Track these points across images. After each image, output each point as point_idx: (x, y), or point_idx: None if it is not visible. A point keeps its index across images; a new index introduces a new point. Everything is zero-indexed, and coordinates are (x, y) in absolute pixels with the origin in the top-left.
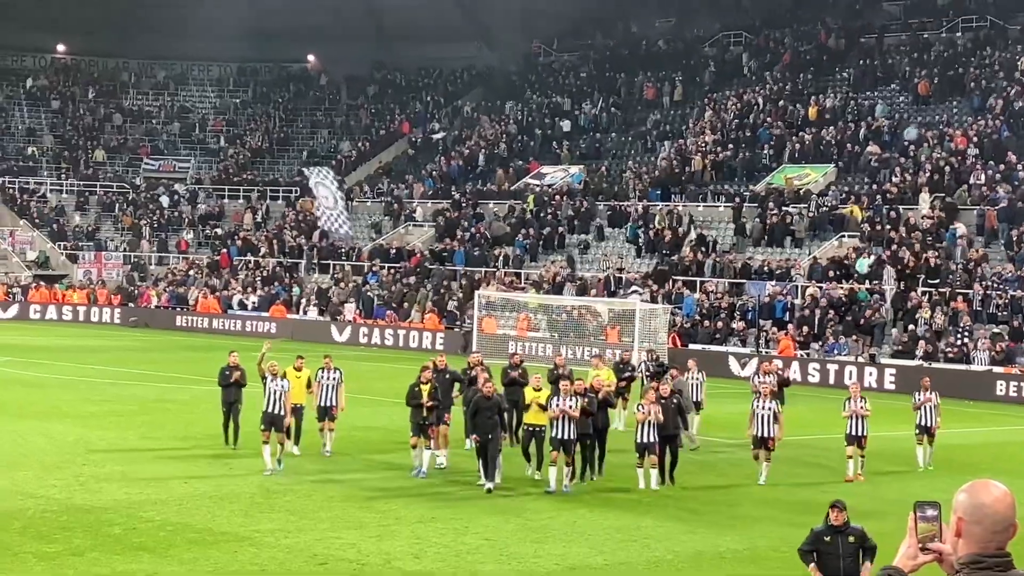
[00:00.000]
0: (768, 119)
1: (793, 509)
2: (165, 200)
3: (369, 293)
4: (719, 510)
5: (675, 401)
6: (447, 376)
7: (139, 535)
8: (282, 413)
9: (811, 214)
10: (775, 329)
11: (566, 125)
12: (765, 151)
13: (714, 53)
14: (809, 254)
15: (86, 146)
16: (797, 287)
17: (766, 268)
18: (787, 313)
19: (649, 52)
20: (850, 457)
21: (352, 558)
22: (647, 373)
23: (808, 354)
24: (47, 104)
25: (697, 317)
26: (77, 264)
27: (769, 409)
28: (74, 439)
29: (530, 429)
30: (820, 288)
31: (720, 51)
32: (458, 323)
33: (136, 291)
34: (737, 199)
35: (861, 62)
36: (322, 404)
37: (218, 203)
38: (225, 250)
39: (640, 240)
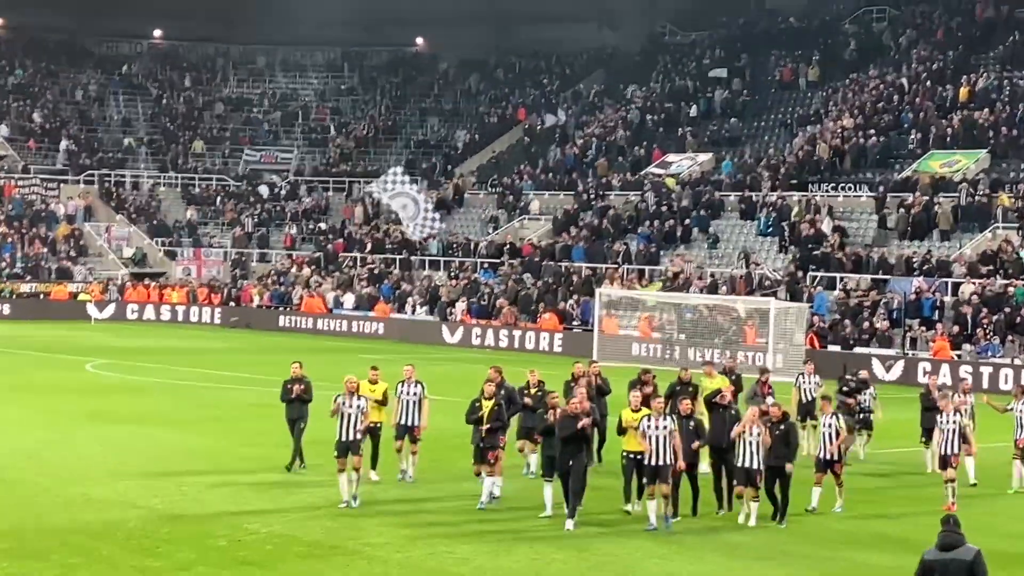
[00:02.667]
0: (914, 101)
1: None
2: (266, 193)
3: (484, 291)
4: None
5: (783, 426)
6: (502, 392)
7: (245, 548)
8: (358, 437)
9: (961, 204)
10: (923, 329)
11: (693, 110)
12: (911, 136)
13: (855, 30)
14: (959, 247)
15: (184, 137)
16: (947, 283)
17: (911, 263)
18: (936, 311)
19: (784, 30)
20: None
21: (467, 574)
22: (843, 390)
23: (959, 356)
24: (144, 92)
25: (837, 316)
26: (175, 261)
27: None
28: (175, 446)
29: (633, 457)
30: (974, 284)
31: (861, 27)
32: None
33: (237, 289)
34: (880, 188)
35: (1018, 37)
36: (402, 422)
37: (323, 196)
38: (338, 241)
39: (774, 233)
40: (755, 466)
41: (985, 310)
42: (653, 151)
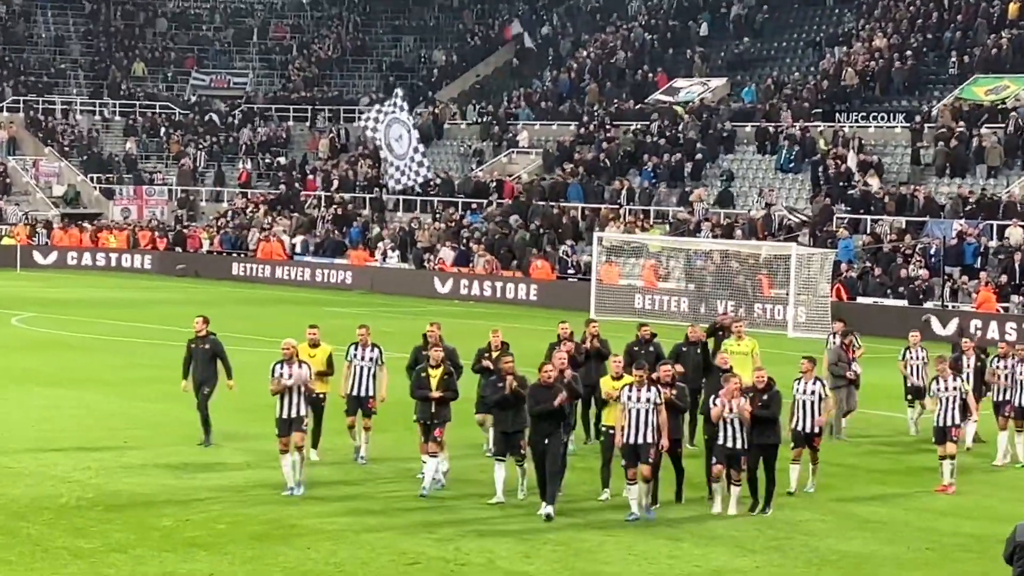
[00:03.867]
0: (956, 18)
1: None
2: (217, 122)
3: (465, 235)
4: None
5: (766, 396)
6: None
7: (193, 528)
8: (302, 413)
9: (1009, 135)
10: (965, 278)
11: (703, 28)
12: (952, 59)
13: None
14: (1007, 185)
15: (123, 58)
16: (992, 226)
17: (952, 203)
18: (979, 259)
19: None
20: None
21: (449, 557)
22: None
23: (1007, 309)
24: (76, 7)
25: (867, 264)
26: (113, 201)
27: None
28: (112, 411)
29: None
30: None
31: None
32: (571, 271)
33: (184, 233)
34: (917, 118)
35: None
36: (354, 394)
37: (281, 126)
38: (309, 178)
39: (796, 169)
40: (740, 446)
41: None
42: (658, 75)
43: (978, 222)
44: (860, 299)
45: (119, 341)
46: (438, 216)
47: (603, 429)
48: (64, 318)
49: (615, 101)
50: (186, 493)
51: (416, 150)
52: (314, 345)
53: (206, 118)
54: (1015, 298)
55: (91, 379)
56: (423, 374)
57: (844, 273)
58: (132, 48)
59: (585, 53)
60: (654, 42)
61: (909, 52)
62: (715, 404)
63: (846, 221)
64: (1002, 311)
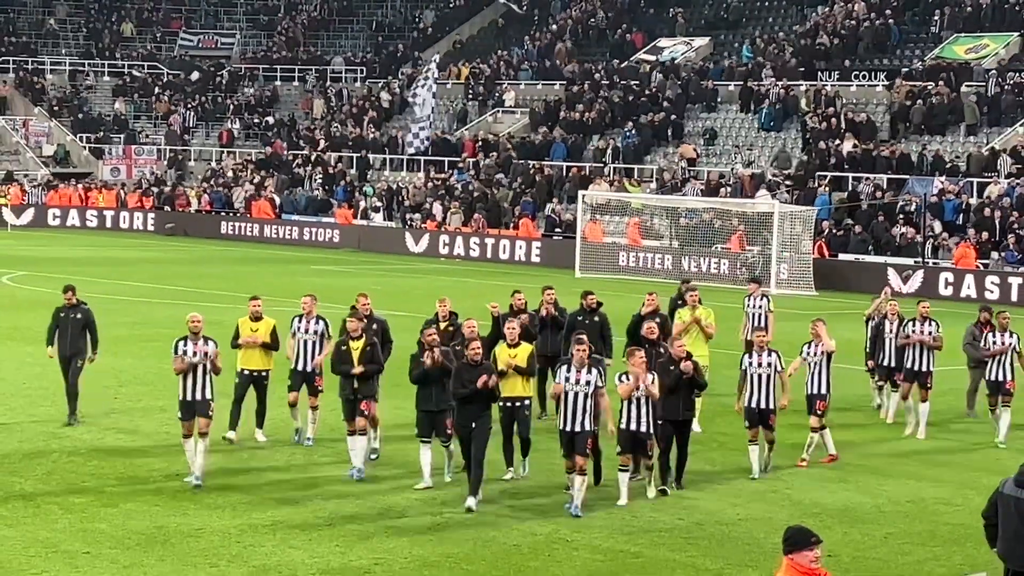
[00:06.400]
0: None
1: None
2: (196, 79)
3: (452, 194)
4: (874, 461)
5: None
6: (374, 326)
7: (182, 484)
8: (208, 396)
9: (989, 94)
10: (946, 235)
11: None
12: (934, 17)
13: None
14: (987, 143)
15: (111, 18)
16: (972, 183)
17: (931, 160)
18: (959, 215)
19: None
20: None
21: (365, 565)
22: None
23: (986, 265)
24: None
25: (848, 221)
26: (103, 160)
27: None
28: (103, 369)
29: (509, 405)
30: (1004, 184)
31: None
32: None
33: (173, 192)
34: (898, 77)
35: None
36: (299, 368)
37: (269, 86)
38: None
39: (777, 127)
40: (644, 428)
41: (1016, 214)
42: (634, 34)
43: (959, 179)
44: (841, 256)
45: (109, 299)
46: (432, 175)
47: (500, 404)
48: (54, 276)
49: (597, 62)
50: (176, 449)
51: (429, 116)
52: (256, 318)
53: (192, 77)
54: (994, 254)
55: None
56: (343, 347)
57: (825, 231)
58: (121, 8)
59: (566, 14)
60: (639, 1)
61: (889, 11)
62: (622, 381)
63: (827, 179)
64: (981, 267)
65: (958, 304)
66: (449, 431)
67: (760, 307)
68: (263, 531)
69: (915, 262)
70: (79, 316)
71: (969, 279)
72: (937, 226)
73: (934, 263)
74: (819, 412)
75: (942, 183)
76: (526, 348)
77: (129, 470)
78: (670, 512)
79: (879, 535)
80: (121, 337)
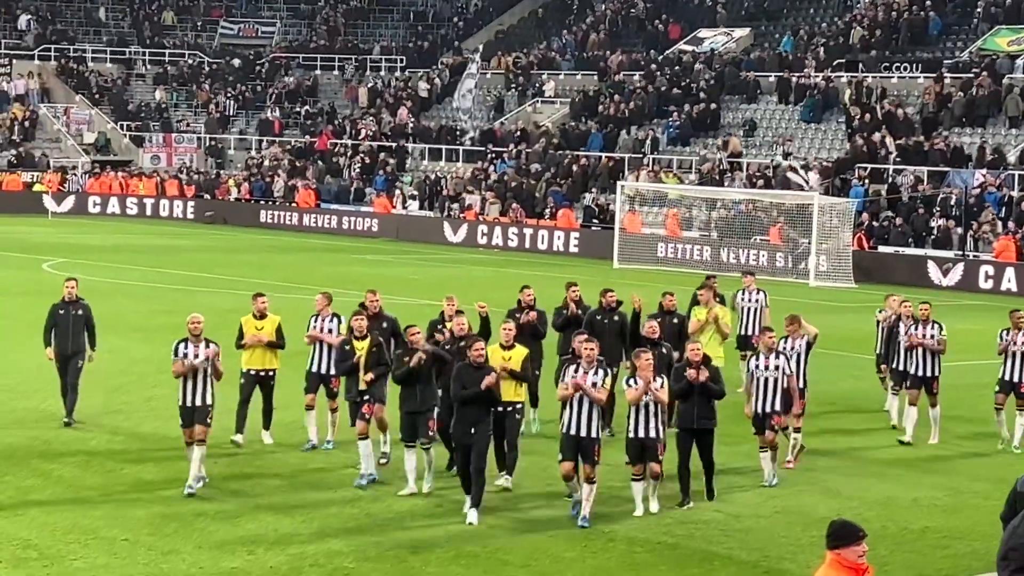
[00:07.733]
0: None
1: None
2: (244, 71)
3: (489, 184)
4: (910, 454)
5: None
6: (383, 325)
7: (220, 470)
8: (208, 402)
9: None
10: (987, 228)
11: None
12: (977, 9)
13: None
14: None
15: (152, 7)
16: (1015, 176)
17: (975, 153)
18: (1002, 208)
19: None
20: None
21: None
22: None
23: None
24: None
25: (889, 213)
26: (143, 148)
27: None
28: (141, 357)
29: (500, 410)
30: None
31: None
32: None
33: (213, 180)
34: (940, 69)
35: None
36: (315, 370)
37: (308, 75)
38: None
39: (818, 119)
40: (652, 435)
41: None
42: (670, 25)
43: (1000, 172)
44: (881, 248)
45: (148, 287)
46: (475, 166)
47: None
48: (93, 264)
49: (633, 52)
50: (213, 438)
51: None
52: (261, 316)
53: (233, 64)
54: None
55: (119, 324)
56: (347, 347)
57: (865, 223)
58: None
59: (605, 4)
60: None
61: (929, 3)
62: (629, 385)
63: (868, 171)
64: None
65: (998, 297)
66: (432, 432)
67: (757, 301)
68: (299, 520)
69: (955, 255)
70: (80, 312)
71: (1010, 272)
72: (987, 215)
73: (974, 256)
74: (798, 412)
75: (983, 176)
76: (520, 351)
77: (167, 458)
78: (707, 504)
79: (917, 528)
80: (159, 325)
